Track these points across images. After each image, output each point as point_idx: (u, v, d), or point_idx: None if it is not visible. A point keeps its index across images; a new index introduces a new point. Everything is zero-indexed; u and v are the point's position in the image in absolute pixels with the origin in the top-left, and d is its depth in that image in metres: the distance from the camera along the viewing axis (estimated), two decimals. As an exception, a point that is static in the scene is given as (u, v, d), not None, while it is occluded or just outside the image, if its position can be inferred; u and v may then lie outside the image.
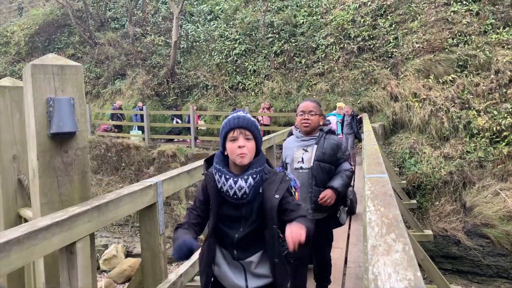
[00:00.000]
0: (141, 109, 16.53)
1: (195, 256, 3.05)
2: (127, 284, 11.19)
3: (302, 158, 3.02)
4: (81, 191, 2.37)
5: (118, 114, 17.14)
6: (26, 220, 3.03)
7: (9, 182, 3.21)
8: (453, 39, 14.31)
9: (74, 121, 2.28)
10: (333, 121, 10.96)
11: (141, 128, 16.42)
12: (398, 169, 12.08)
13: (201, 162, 3.46)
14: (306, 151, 3.03)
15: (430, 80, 13.91)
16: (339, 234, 5.48)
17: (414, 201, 10.67)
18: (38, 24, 23.66)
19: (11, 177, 3.20)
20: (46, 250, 1.79)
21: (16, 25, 24.41)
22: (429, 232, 8.23)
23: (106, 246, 13.12)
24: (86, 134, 2.41)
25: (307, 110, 3.00)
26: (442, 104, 13.10)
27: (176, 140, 16.28)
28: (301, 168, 3.02)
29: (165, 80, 18.81)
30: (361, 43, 15.95)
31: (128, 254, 12.97)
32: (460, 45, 14.15)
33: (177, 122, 16.68)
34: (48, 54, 2.44)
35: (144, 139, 15.66)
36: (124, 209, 2.28)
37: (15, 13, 27.48)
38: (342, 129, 11.13)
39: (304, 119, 3.00)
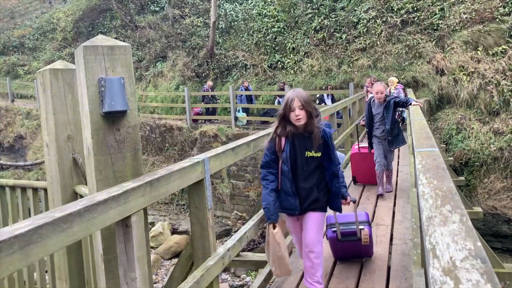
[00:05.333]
0: (247, 89, 15.52)
1: (241, 232, 3.11)
2: (173, 260, 11.60)
3: None
4: (133, 167, 2.45)
5: (210, 96, 16.18)
6: (81, 197, 3.17)
7: (65, 161, 3.36)
8: (504, 7, 13.49)
9: (125, 100, 2.35)
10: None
11: (245, 110, 15.29)
12: (444, 145, 11.69)
13: (244, 140, 3.48)
14: None
15: (478, 52, 13.23)
16: (384, 211, 5.42)
17: (462, 178, 10.31)
18: (82, 10, 24.34)
19: (66, 156, 3.36)
20: (104, 223, 1.87)
21: (61, 11, 25.22)
22: (478, 209, 7.96)
23: (152, 224, 13.59)
24: (136, 113, 2.48)
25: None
26: (492, 77, 12.47)
27: (215, 120, 16.40)
28: None
29: (204, 61, 18.94)
30: (405, 16, 15.34)
31: (174, 231, 13.39)
32: (512, 13, 13.34)
33: (279, 103, 14.44)
34: (97, 36, 2.51)
35: (186, 120, 15.89)
36: (174, 184, 2.34)
37: (60, 0, 28.38)
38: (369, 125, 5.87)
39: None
